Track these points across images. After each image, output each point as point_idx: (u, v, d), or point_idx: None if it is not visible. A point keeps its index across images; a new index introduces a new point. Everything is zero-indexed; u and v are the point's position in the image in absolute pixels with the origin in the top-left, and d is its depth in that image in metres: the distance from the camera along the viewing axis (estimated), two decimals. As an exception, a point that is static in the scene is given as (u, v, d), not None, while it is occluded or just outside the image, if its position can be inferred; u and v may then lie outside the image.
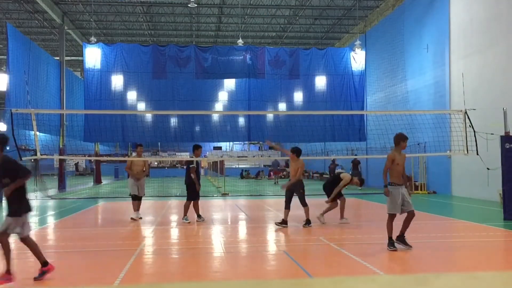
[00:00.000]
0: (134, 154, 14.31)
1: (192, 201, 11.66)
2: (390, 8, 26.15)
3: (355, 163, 24.67)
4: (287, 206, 10.82)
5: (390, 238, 7.87)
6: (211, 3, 28.04)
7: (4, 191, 6.04)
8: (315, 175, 37.24)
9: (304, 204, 10.87)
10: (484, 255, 7.66)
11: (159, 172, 46.80)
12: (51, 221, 12.71)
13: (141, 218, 12.28)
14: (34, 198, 19.70)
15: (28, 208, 6.22)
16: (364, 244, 8.66)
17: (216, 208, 15.61)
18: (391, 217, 7.93)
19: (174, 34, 34.99)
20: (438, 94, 20.36)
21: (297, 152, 10.83)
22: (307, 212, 10.78)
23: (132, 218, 12.01)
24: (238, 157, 45.60)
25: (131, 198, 12.33)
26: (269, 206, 15.68)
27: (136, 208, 12.16)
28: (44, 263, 6.25)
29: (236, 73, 24.91)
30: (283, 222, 10.62)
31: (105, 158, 29.24)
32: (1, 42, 32.90)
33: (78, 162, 47.01)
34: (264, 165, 48.75)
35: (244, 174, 39.07)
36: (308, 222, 10.71)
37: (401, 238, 7.92)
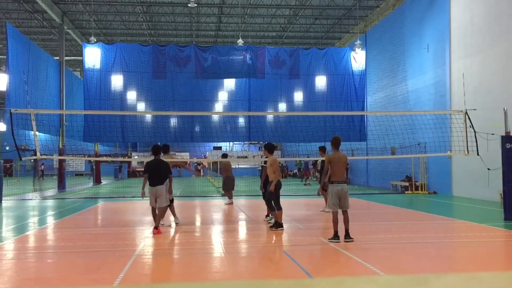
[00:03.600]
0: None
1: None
2: (390, 8, 26.14)
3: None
4: (279, 206, 10.28)
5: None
6: (211, 3, 28.01)
7: None
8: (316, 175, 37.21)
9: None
10: (485, 255, 7.65)
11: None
12: (51, 221, 12.69)
13: None
14: (33, 198, 19.71)
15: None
16: (364, 244, 8.64)
17: (216, 208, 15.60)
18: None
19: (174, 34, 34.97)
20: (439, 94, 20.35)
21: (269, 148, 10.51)
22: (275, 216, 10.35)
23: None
24: (238, 157, 45.57)
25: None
26: (269, 206, 15.67)
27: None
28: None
29: (236, 73, 24.89)
30: (279, 225, 10.23)
31: (104, 159, 29.18)
32: (0, 42, 32.88)
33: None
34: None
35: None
36: (276, 225, 10.21)
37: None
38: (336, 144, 9.00)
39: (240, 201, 17.49)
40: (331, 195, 8.72)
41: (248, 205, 16.40)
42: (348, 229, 8.67)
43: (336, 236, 8.57)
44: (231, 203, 16.18)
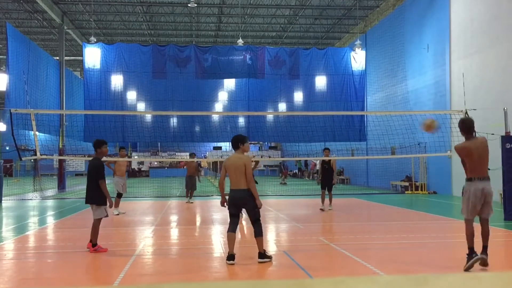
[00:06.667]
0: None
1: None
2: (390, 8, 26.14)
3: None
4: (234, 228, 7.03)
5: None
6: (211, 3, 28.02)
7: None
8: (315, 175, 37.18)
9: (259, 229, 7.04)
10: (485, 255, 7.64)
11: (159, 172, 46.81)
12: (51, 221, 12.70)
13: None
14: (33, 198, 19.71)
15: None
16: (364, 244, 8.64)
17: (216, 208, 15.59)
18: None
19: (174, 34, 34.97)
20: (439, 94, 20.36)
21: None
22: (260, 242, 7.05)
23: None
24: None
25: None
26: (269, 206, 15.65)
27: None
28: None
29: (236, 73, 24.90)
30: (231, 258, 6.91)
31: (104, 159, 29.06)
32: (0, 42, 32.88)
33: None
34: (264, 165, 48.68)
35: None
36: (263, 255, 7.03)
37: None
38: (466, 128, 6.54)
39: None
40: (468, 196, 6.38)
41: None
42: (487, 245, 6.38)
43: (472, 253, 6.33)
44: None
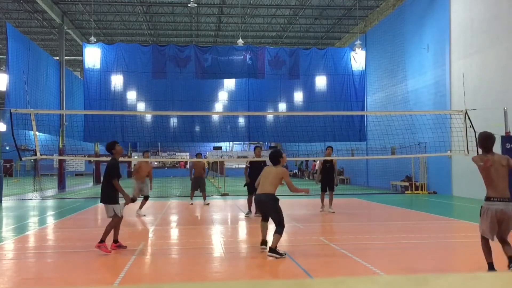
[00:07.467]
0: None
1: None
2: (390, 8, 26.13)
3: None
4: (266, 219, 7.85)
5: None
6: (211, 3, 28.01)
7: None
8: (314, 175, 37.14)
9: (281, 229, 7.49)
10: (485, 255, 7.63)
11: (159, 172, 46.80)
12: (51, 221, 12.70)
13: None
14: (33, 198, 19.71)
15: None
16: (364, 244, 8.64)
17: (216, 208, 15.59)
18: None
19: (174, 34, 34.97)
20: (439, 94, 20.36)
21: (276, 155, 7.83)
22: (276, 239, 7.41)
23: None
24: (238, 157, 45.56)
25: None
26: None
27: None
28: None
29: (236, 73, 24.88)
30: (263, 243, 7.71)
31: (104, 159, 29.06)
32: (0, 42, 32.88)
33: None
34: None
35: None
36: (273, 251, 7.32)
37: None
38: (485, 143, 6.19)
39: (240, 201, 17.50)
40: (485, 217, 5.98)
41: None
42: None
43: (491, 269, 6.03)
44: None
